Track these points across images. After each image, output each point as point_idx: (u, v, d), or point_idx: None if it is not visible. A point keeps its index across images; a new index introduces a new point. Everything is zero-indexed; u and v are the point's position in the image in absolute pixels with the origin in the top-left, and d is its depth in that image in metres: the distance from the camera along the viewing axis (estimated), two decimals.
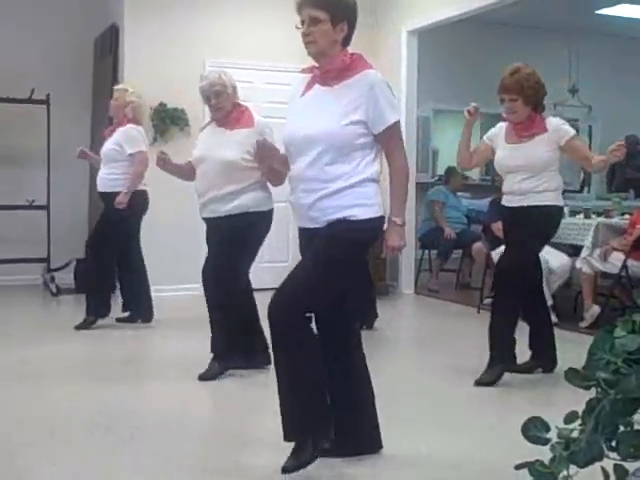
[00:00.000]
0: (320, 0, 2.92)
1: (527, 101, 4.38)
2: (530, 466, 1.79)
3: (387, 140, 2.96)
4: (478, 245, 7.31)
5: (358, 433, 3.11)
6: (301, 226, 3.10)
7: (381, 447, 3.16)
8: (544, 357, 4.73)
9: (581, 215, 6.73)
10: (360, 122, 2.89)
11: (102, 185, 5.93)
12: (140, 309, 6.09)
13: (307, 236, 3.05)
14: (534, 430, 1.75)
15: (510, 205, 4.55)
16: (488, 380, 4.40)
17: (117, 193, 5.75)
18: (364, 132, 2.91)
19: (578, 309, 6.57)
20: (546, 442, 1.76)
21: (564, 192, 4.90)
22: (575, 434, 1.75)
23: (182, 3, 7.69)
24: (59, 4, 8.19)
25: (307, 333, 2.92)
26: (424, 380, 4.65)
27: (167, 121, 7.55)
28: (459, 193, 9.13)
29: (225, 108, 4.55)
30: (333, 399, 2.97)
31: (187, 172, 4.70)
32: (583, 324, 6.07)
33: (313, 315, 2.98)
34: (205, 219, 4.60)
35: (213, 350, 4.53)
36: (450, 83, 10.42)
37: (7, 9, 8.04)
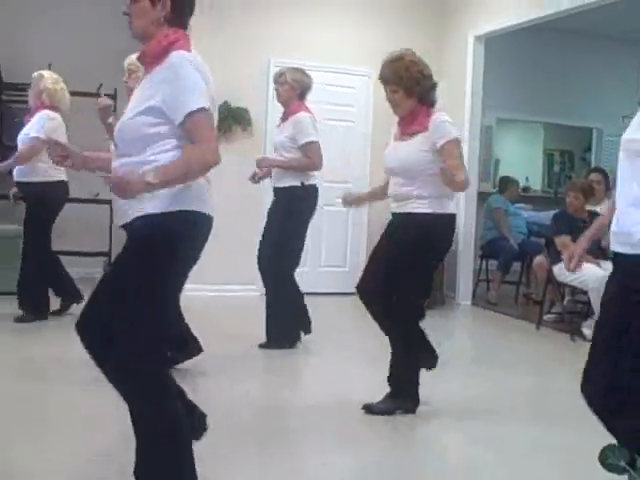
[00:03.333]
0: None
1: (409, 93, 3.89)
2: None
3: (187, 129, 2.47)
4: (540, 259, 7.15)
5: None
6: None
7: None
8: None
9: None
10: (152, 109, 2.49)
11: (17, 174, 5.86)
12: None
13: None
14: (612, 458, 1.65)
15: (391, 211, 4.03)
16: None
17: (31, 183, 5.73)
18: (158, 121, 2.50)
19: None
20: (623, 471, 1.67)
21: None
22: None
23: (250, 2, 7.69)
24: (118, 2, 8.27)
25: None
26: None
27: (230, 120, 7.55)
28: (520, 205, 8.97)
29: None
30: None
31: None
32: None
33: None
34: None
35: None
36: (515, 92, 10.25)
37: (79, 5, 8.17)
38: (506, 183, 8.68)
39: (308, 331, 5.52)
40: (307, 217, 5.38)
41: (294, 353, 5.33)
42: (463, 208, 7.92)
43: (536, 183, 11.56)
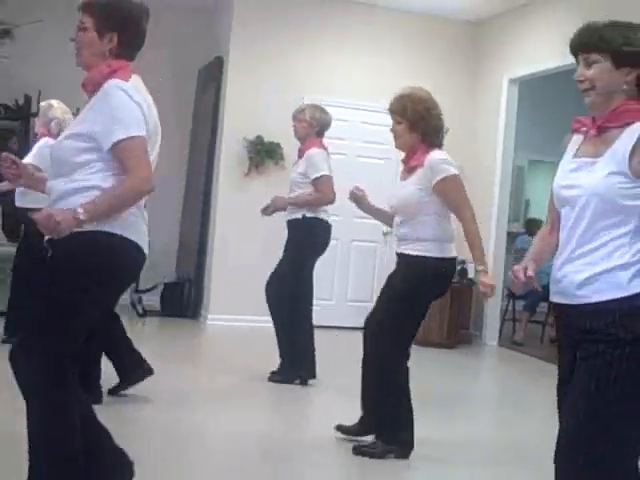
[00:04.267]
0: (85, 4, 2.60)
1: (412, 127, 3.86)
2: None
3: (116, 157, 2.50)
4: None
5: None
6: None
7: None
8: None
9: None
10: (82, 135, 2.53)
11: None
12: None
13: None
14: None
15: (395, 251, 4.02)
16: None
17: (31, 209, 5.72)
18: (86, 146, 2.52)
19: None
20: None
21: None
22: None
23: (286, 39, 7.82)
24: (168, 33, 8.44)
25: None
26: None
27: (263, 154, 7.65)
28: None
29: None
30: None
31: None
32: None
33: None
34: None
35: None
36: (547, 134, 10.23)
37: None
38: (533, 224, 8.68)
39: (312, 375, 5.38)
40: (313, 250, 5.38)
41: (307, 386, 5.29)
42: (492, 247, 7.91)
43: None
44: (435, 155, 3.81)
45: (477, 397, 5.79)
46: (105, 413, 2.79)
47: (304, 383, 5.29)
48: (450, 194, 3.78)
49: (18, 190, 5.65)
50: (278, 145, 7.70)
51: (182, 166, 8.63)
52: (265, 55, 7.70)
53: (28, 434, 2.52)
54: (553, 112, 10.24)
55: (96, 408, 2.75)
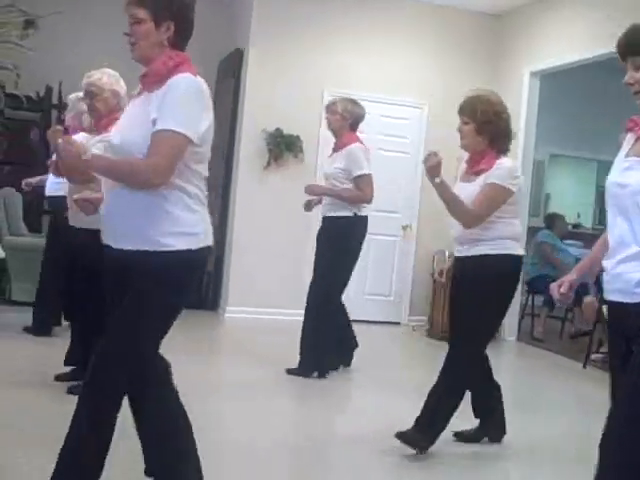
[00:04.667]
0: None
1: (480, 130, 3.79)
2: None
3: (151, 142, 2.46)
4: (589, 299, 7.04)
5: None
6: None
7: None
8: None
9: None
10: (150, 122, 2.51)
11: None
12: None
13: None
14: None
15: (455, 255, 3.99)
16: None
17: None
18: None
19: None
20: None
21: None
22: None
23: (305, 32, 7.80)
24: None
25: None
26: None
27: (282, 147, 7.64)
28: (570, 241, 8.88)
29: (97, 111, 4.32)
30: None
31: None
32: None
33: None
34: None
35: None
36: (569, 128, 10.18)
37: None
38: (553, 219, 8.61)
39: (347, 364, 5.50)
40: (356, 248, 5.34)
41: (328, 380, 5.30)
42: None
43: (587, 220, 11.43)
44: (507, 162, 3.81)
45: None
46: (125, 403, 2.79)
47: (322, 376, 5.29)
48: (480, 194, 3.73)
49: (51, 180, 5.62)
50: (297, 138, 7.69)
51: None
52: (285, 47, 7.68)
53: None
54: (575, 106, 10.17)
55: None
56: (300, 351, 5.33)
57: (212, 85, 8.68)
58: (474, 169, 3.85)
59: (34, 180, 6.25)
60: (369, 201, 5.31)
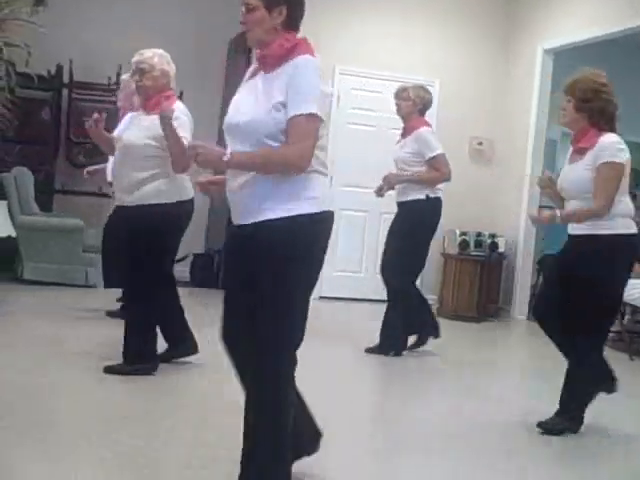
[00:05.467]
0: None
1: (579, 107, 3.85)
2: None
3: (289, 128, 2.55)
4: None
5: None
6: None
7: None
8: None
9: None
10: (283, 104, 2.57)
11: None
12: None
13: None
14: None
15: (569, 233, 4.00)
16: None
17: None
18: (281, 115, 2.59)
19: None
20: None
21: None
22: None
23: (317, 8, 7.73)
24: (198, 4, 8.42)
25: None
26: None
27: None
28: None
29: (146, 88, 4.31)
30: None
31: (111, 145, 4.53)
32: None
33: None
34: (116, 207, 4.54)
35: None
36: None
37: (148, 7, 8.35)
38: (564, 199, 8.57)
39: (437, 335, 5.62)
40: (432, 229, 5.52)
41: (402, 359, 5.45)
42: (523, 222, 7.85)
43: None
44: (610, 137, 3.81)
45: (511, 367, 5.77)
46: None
47: (398, 354, 5.46)
48: (598, 179, 3.75)
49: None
50: None
51: (212, 137, 8.60)
52: None
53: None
54: None
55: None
56: (381, 330, 5.50)
57: (223, 63, 8.66)
58: (576, 147, 3.91)
59: (96, 168, 6.16)
60: (448, 178, 5.46)
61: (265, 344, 2.58)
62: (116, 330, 5.46)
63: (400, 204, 5.51)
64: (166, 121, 3.99)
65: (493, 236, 7.80)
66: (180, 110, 4.25)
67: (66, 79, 8.16)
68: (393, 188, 5.53)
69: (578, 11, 7.34)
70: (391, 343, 5.46)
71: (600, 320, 3.95)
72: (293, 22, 2.73)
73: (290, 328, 2.60)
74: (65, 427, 3.45)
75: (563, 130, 10.51)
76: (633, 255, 3.93)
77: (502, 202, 8.12)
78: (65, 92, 8.24)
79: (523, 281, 7.96)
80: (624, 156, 3.79)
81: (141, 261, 4.22)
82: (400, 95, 5.58)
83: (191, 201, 4.39)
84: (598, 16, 7.05)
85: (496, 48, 8.21)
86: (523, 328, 7.62)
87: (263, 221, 2.58)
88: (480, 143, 8.14)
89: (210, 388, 4.25)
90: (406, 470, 3.35)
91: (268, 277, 2.56)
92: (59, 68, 8.05)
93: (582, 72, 3.99)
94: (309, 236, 2.60)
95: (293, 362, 2.64)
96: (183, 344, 4.62)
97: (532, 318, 7.96)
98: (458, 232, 7.68)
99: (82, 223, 7.28)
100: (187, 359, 4.63)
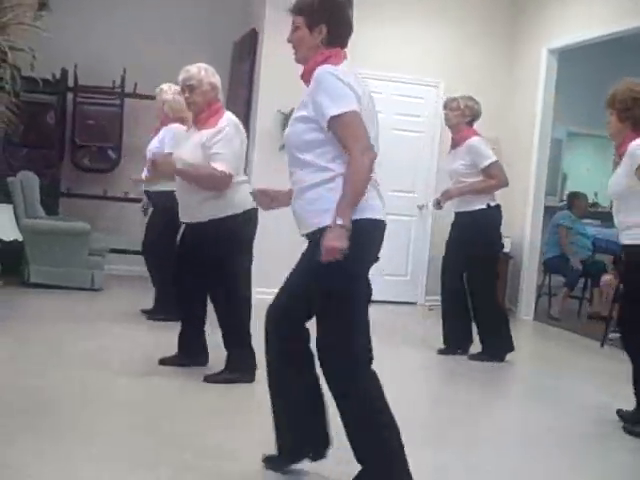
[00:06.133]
0: (295, 6, 2.89)
1: (620, 117, 4.00)
2: None
3: (335, 133, 2.71)
4: (608, 277, 7.01)
5: None
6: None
7: None
8: None
9: None
10: (305, 118, 2.78)
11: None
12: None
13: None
14: None
15: (621, 242, 4.08)
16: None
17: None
18: (313, 127, 2.76)
19: None
20: None
21: None
22: None
23: None
24: (203, 5, 8.43)
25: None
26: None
27: None
28: (588, 220, 8.82)
29: (197, 104, 4.36)
30: None
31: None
32: None
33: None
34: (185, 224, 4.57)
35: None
36: (587, 106, 10.05)
37: (155, 9, 8.36)
38: (572, 198, 8.53)
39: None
40: (496, 236, 5.67)
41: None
42: (529, 222, 7.84)
43: (605, 199, 11.31)
44: (635, 142, 3.91)
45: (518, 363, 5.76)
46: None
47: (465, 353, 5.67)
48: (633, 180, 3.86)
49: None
50: None
51: None
52: None
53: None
54: (593, 84, 10.03)
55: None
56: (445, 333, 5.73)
57: (227, 66, 8.67)
58: (618, 152, 4.04)
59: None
60: (505, 185, 5.59)
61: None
62: (120, 334, 5.47)
63: (460, 214, 5.62)
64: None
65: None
66: (228, 121, 4.33)
67: (71, 83, 8.17)
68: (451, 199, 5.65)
69: (582, 11, 7.32)
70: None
71: None
72: (336, 39, 2.87)
73: None
74: (69, 427, 3.45)
75: (568, 129, 10.56)
76: None
77: (507, 202, 8.09)
78: (70, 96, 8.24)
79: (529, 281, 7.94)
80: None
81: (231, 271, 4.34)
82: (449, 105, 5.65)
83: (255, 210, 4.34)
84: (602, 15, 7.03)
85: (501, 48, 8.20)
86: (529, 329, 7.61)
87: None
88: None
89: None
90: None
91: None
92: (64, 72, 8.06)
93: (620, 84, 4.10)
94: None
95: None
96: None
97: (538, 318, 7.98)
98: None
99: (88, 226, 7.29)
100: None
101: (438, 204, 5.68)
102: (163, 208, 5.75)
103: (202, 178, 4.25)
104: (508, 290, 7.92)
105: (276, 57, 7.61)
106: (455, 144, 5.62)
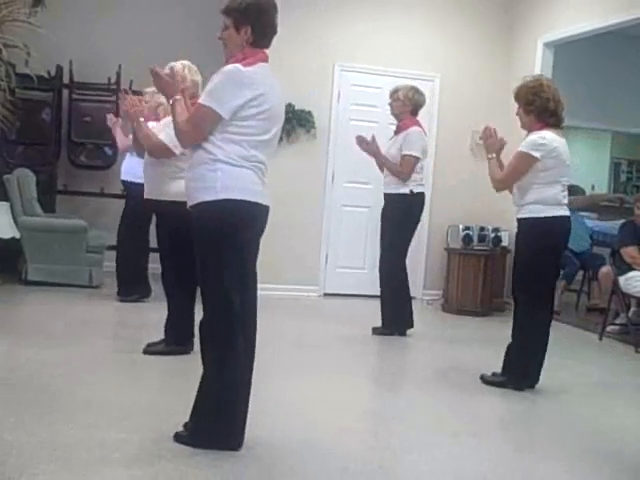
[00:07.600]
0: (225, 8, 3.16)
1: (526, 110, 4.60)
2: None
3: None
4: (606, 269, 7.02)
5: None
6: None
7: None
8: None
9: None
10: None
11: None
12: None
13: None
14: None
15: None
16: None
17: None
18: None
19: None
20: None
21: None
22: None
23: (318, 5, 7.73)
24: (198, 3, 8.40)
25: None
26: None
27: (294, 122, 7.59)
28: (585, 213, 8.82)
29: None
30: None
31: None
32: None
33: None
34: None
35: None
36: (582, 99, 10.05)
37: (150, 7, 8.34)
38: (571, 191, 8.53)
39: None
40: (411, 221, 5.96)
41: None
42: None
43: (602, 191, 11.34)
44: (531, 135, 4.55)
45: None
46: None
47: (403, 334, 5.94)
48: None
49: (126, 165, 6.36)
50: (309, 113, 7.65)
51: None
52: (296, 22, 7.60)
53: None
54: (589, 77, 10.05)
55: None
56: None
57: (223, 64, 8.63)
58: None
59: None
60: (404, 179, 5.84)
61: None
62: (121, 329, 5.47)
63: (386, 195, 5.95)
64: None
65: (496, 230, 7.79)
66: None
67: (66, 79, 8.15)
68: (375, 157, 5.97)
69: (577, 4, 7.31)
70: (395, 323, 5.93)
71: None
72: (260, 40, 3.17)
73: None
74: (74, 427, 3.45)
75: (565, 123, 10.55)
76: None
77: (504, 196, 8.08)
78: (65, 93, 8.22)
79: None
80: (527, 149, 4.56)
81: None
82: (392, 95, 6.02)
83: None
84: (597, 8, 7.02)
85: (496, 42, 8.19)
86: None
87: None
88: (481, 137, 8.08)
89: None
90: None
91: None
92: (59, 69, 8.04)
93: (521, 81, 4.72)
94: None
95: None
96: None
97: None
98: (461, 227, 7.66)
99: (85, 223, 7.28)
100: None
101: (362, 142, 5.96)
102: (136, 197, 5.79)
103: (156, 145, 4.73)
104: (506, 284, 7.91)
105: (272, 51, 7.60)
106: (397, 131, 5.96)
